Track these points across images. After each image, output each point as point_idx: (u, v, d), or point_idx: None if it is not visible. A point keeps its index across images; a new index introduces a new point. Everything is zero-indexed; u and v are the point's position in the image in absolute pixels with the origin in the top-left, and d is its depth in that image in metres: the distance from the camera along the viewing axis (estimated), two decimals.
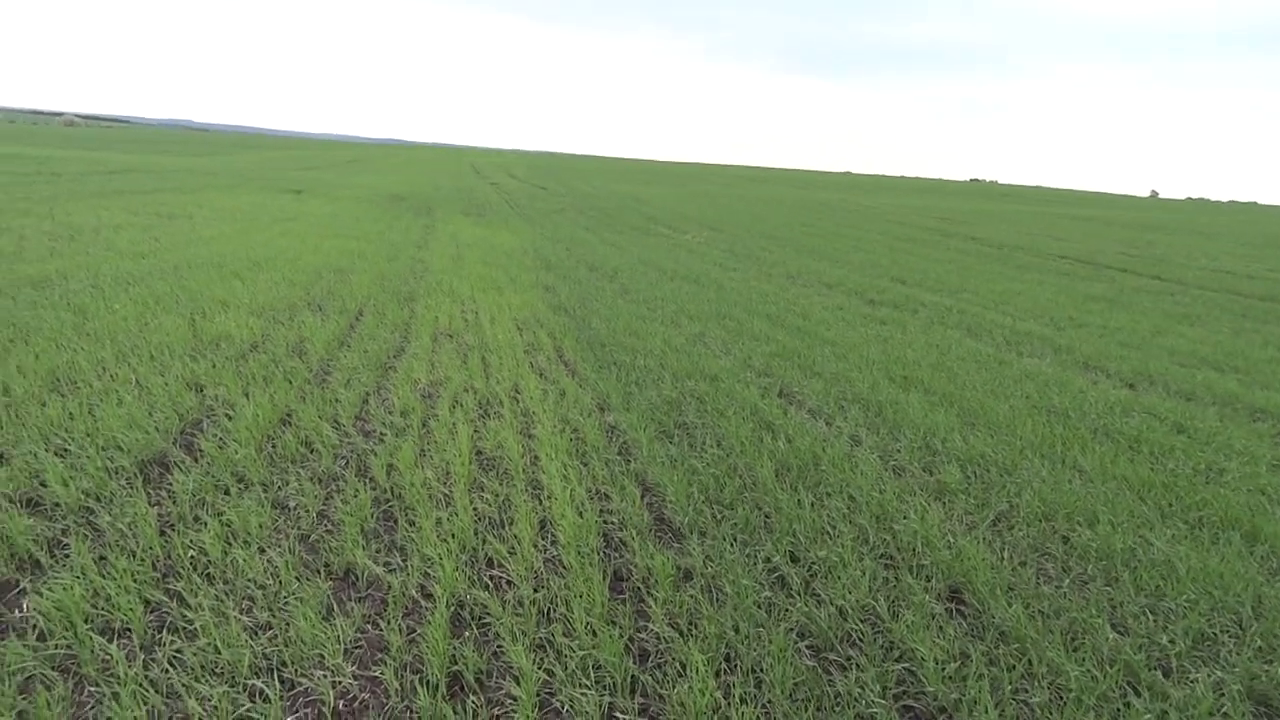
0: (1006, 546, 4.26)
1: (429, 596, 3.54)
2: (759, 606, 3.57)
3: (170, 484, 4.34)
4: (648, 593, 3.66)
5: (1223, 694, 3.10)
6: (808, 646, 3.36)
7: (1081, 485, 5.10)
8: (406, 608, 3.46)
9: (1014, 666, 3.23)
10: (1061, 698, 3.06)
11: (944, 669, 3.16)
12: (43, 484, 4.18)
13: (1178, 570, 3.98)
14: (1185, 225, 46.96)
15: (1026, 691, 3.10)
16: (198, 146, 79.80)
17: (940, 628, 3.47)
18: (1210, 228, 45.63)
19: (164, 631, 3.16)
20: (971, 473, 5.25)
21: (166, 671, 2.91)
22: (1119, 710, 2.99)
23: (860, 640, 3.39)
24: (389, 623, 3.30)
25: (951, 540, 4.22)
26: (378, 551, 3.88)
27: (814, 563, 3.98)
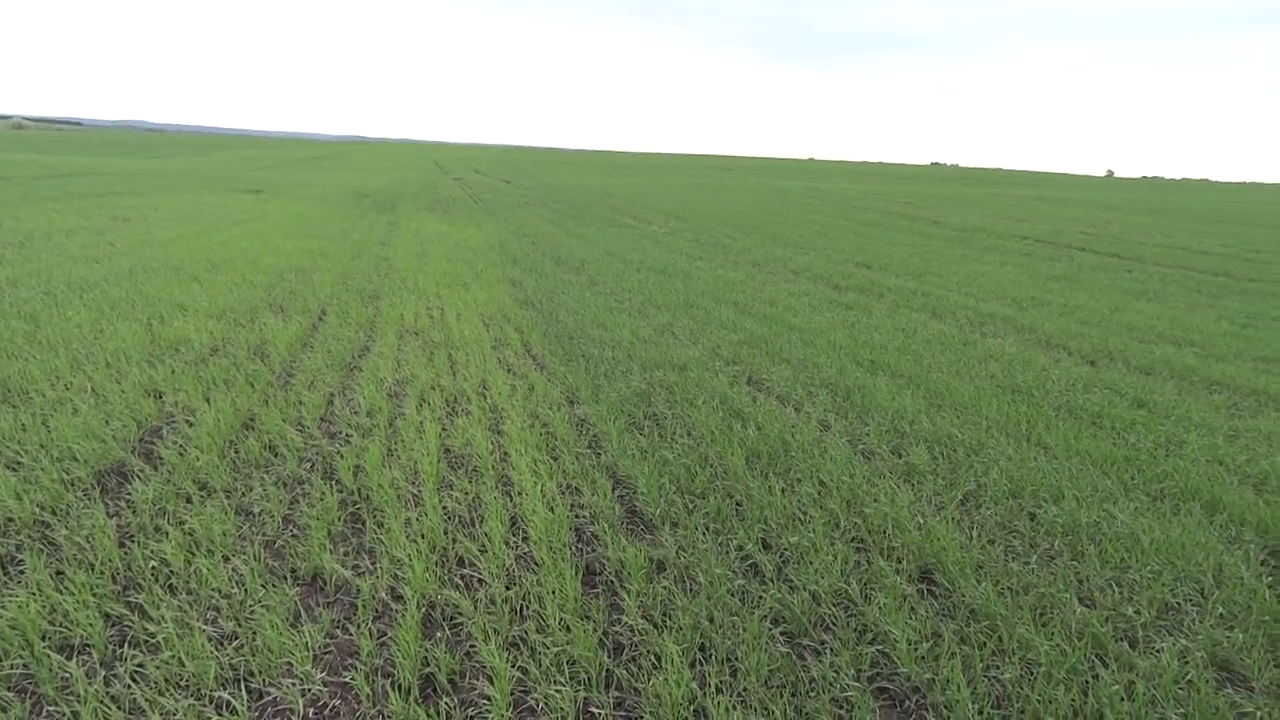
0: (975, 525, 4.30)
1: (399, 598, 3.50)
2: (732, 595, 3.57)
3: (129, 494, 4.24)
4: (621, 586, 3.65)
5: (1187, 662, 3.16)
6: (782, 633, 3.37)
7: (1047, 462, 5.17)
8: (376, 611, 3.41)
9: (985, 644, 3.26)
10: (1032, 672, 3.10)
11: (916, 649, 3.18)
12: None
13: (1141, 542, 4.05)
14: (1141, 204, 47.85)
15: (998, 668, 3.13)
16: (153, 148, 78.22)
17: (912, 609, 3.49)
18: (1165, 205, 46.53)
19: (125, 646, 3.08)
20: (939, 454, 5.29)
21: (129, 687, 2.84)
22: (1088, 682, 3.03)
23: (834, 624, 3.40)
24: (359, 627, 3.25)
25: (921, 521, 4.25)
26: (346, 555, 3.82)
27: (786, 549, 3.99)
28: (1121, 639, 3.34)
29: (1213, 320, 11.02)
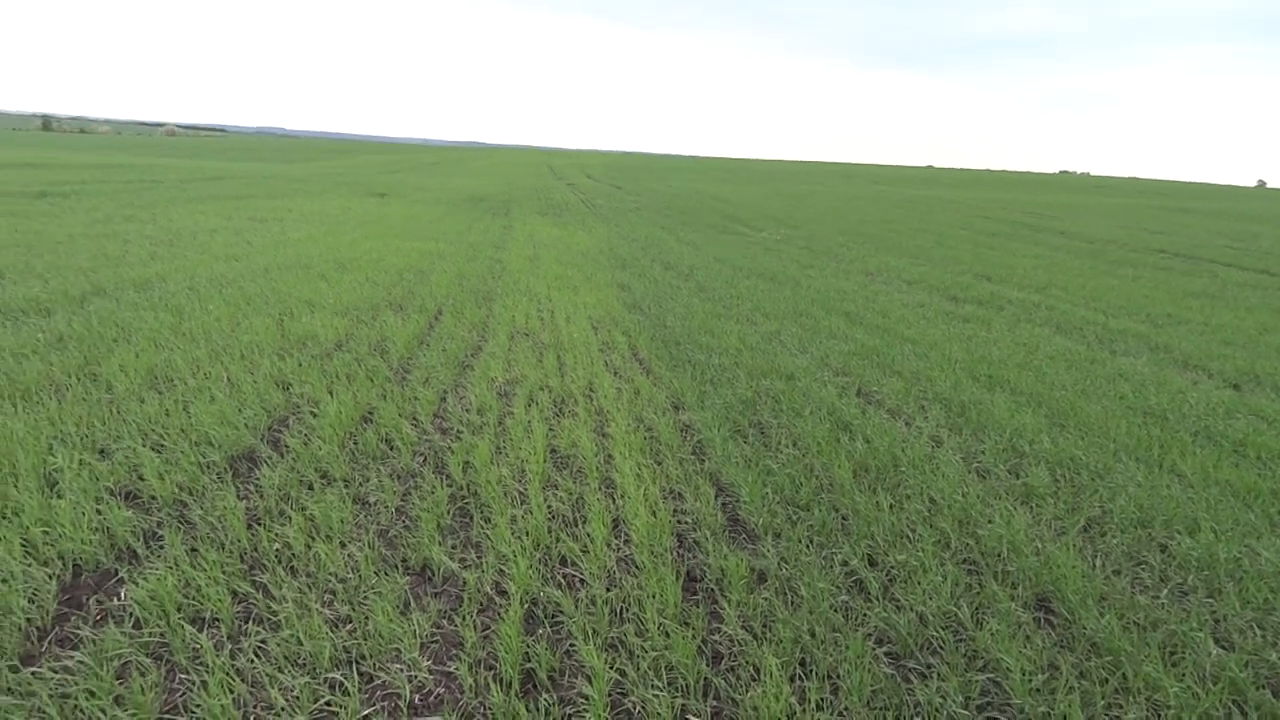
0: (1099, 554, 4.06)
1: (503, 593, 3.57)
2: (835, 610, 3.49)
3: (258, 479, 4.49)
4: (721, 594, 3.62)
5: None
6: (886, 653, 3.27)
7: (1181, 491, 4.83)
8: (481, 604, 3.49)
9: (1107, 680, 3.07)
10: (1159, 715, 2.90)
11: (1031, 680, 3.02)
12: (140, 477, 4.37)
13: None
14: None
15: (1120, 707, 2.94)
16: (288, 153, 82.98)
17: (1027, 637, 3.32)
18: None
19: (250, 622, 3.26)
20: (1061, 476, 5.03)
21: (252, 661, 3.01)
22: None
23: (941, 648, 3.27)
24: (464, 619, 3.34)
25: (1039, 546, 4.04)
26: (454, 548, 3.93)
27: (893, 567, 3.86)
28: (1263, 686, 3.08)
29: None
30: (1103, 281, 14.92)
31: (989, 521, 4.30)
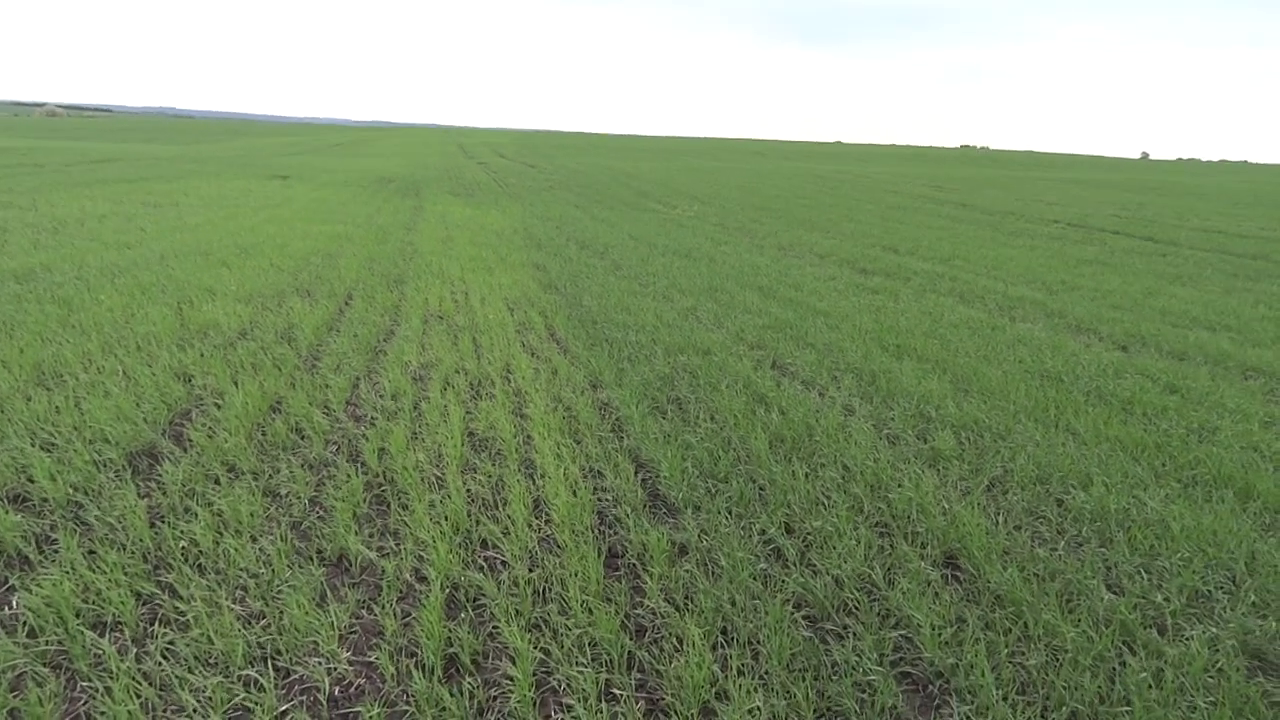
0: (1001, 511, 4.26)
1: (423, 580, 3.53)
2: (755, 579, 3.56)
3: (160, 475, 4.30)
4: (643, 569, 3.65)
5: (1217, 650, 3.10)
6: (804, 617, 3.36)
7: (1075, 448, 5.10)
8: (401, 592, 3.44)
9: (1010, 630, 3.23)
10: (1058, 659, 3.06)
11: (940, 634, 3.16)
12: (30, 479, 4.14)
13: (1172, 529, 3.98)
14: (1176, 186, 46.90)
15: (1023, 654, 3.10)
16: (182, 134, 79.13)
17: (936, 594, 3.46)
18: (1201, 188, 45.56)
19: (156, 624, 3.13)
20: (965, 439, 5.24)
21: (159, 664, 2.89)
22: (1115, 669, 3.00)
23: (856, 609, 3.38)
24: (383, 607, 3.28)
25: (946, 507, 4.21)
26: (371, 536, 3.86)
27: (809, 533, 3.97)
28: (1150, 626, 3.29)
29: (1250, 305, 10.78)
30: (1002, 251, 15.54)
31: (899, 485, 4.46)
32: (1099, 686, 2.88)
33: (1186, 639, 3.18)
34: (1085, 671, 2.95)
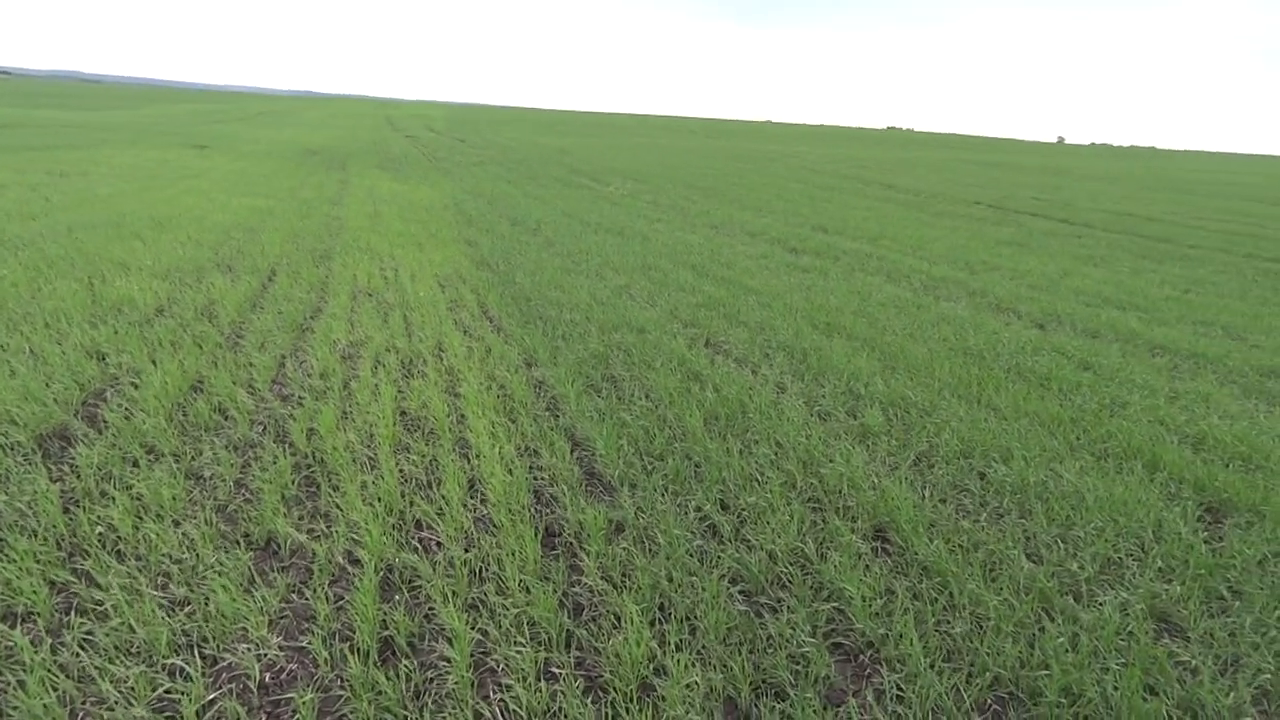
0: (928, 485, 4.39)
1: (356, 562, 3.47)
2: (691, 555, 3.60)
3: (73, 458, 4.11)
4: (580, 547, 3.66)
5: (1128, 614, 3.28)
6: (740, 591, 3.41)
7: (997, 423, 5.28)
8: (333, 575, 3.37)
9: (936, 599, 3.34)
10: (981, 626, 3.19)
11: (871, 605, 3.25)
12: None
13: (1086, 500, 4.17)
14: (1090, 170, 48.74)
15: (949, 623, 3.21)
16: (92, 99, 75.10)
17: (866, 566, 3.56)
18: (1113, 172, 47.46)
19: (72, 614, 3.00)
20: (893, 415, 5.38)
21: (77, 655, 2.78)
22: (1034, 635, 3.14)
23: (790, 583, 3.46)
24: (315, 591, 3.21)
25: (876, 481, 4.32)
26: (300, 519, 3.76)
27: (744, 509, 4.03)
28: (1066, 593, 3.45)
29: (1156, 285, 11.32)
30: (926, 232, 15.94)
31: (830, 461, 4.55)
32: (1020, 652, 3.01)
33: (1100, 604, 3.35)
34: (1007, 638, 3.07)
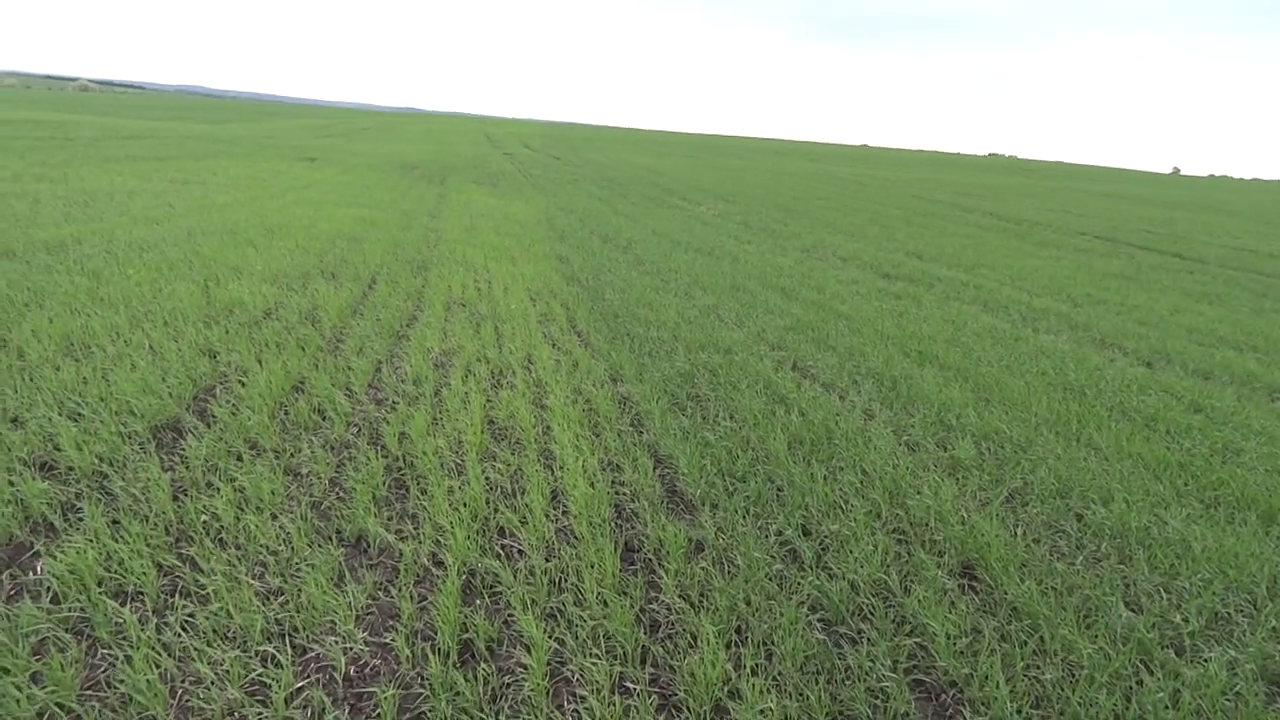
0: (1020, 523, 4.23)
1: (440, 565, 3.55)
2: (770, 579, 3.56)
3: (183, 449, 4.35)
4: (659, 564, 3.66)
5: (1236, 673, 3.07)
6: (819, 620, 3.35)
7: (1097, 463, 5.05)
8: (418, 575, 3.46)
9: (1026, 642, 3.21)
10: (1074, 675, 3.04)
11: (955, 644, 3.14)
12: (57, 448, 4.19)
13: (1193, 549, 3.95)
14: (1207, 203, 46.30)
15: (1039, 668, 3.08)
16: (213, 113, 79.70)
17: (952, 603, 3.45)
18: (1232, 205, 44.96)
19: (176, 596, 3.17)
20: (986, 449, 5.21)
21: (179, 635, 2.93)
22: (1131, 688, 2.98)
23: (871, 614, 3.37)
24: (400, 590, 3.30)
25: (965, 516, 4.19)
26: (389, 519, 3.88)
27: (826, 536, 3.96)
28: (1168, 646, 3.26)
29: (1278, 325, 10.65)
30: (1027, 262, 15.41)
31: (918, 492, 4.43)
32: (1115, 704, 2.86)
33: (1205, 660, 3.16)
34: (1101, 689, 2.93)
